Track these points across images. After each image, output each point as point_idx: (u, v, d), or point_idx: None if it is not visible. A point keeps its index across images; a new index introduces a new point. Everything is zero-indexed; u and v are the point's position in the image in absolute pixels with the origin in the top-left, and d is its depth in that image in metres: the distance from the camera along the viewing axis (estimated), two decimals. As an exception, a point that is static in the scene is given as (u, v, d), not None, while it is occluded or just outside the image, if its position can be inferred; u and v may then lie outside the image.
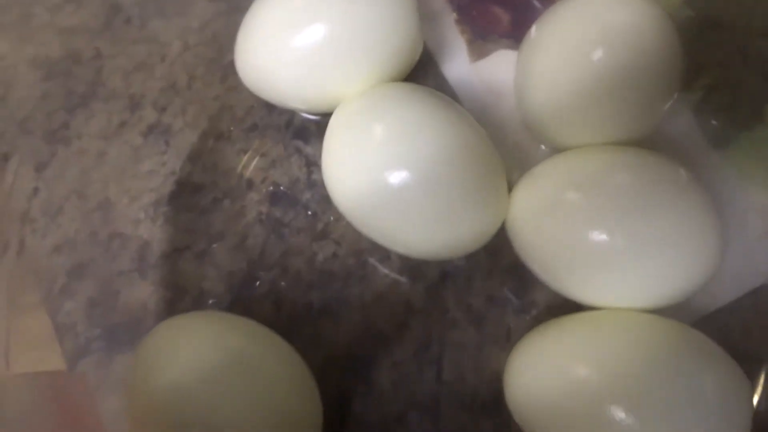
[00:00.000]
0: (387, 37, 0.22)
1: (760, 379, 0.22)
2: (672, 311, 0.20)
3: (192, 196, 0.25)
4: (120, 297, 0.24)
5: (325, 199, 0.25)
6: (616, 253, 0.20)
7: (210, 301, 0.24)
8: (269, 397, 0.19)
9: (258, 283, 0.24)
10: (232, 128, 0.26)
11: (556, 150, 0.24)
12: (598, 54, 0.21)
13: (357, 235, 0.25)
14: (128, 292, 0.24)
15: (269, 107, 0.26)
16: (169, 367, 0.19)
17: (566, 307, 0.23)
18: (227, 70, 0.27)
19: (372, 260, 0.24)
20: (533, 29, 0.23)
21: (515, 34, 0.27)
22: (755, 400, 0.22)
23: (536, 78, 0.22)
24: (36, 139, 0.26)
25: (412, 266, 0.24)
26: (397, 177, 0.20)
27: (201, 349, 0.19)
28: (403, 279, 0.24)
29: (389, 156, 0.21)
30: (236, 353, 0.20)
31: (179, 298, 0.24)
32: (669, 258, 0.19)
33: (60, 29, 0.28)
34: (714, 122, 0.25)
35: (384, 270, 0.24)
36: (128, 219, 0.25)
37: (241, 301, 0.24)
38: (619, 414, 0.18)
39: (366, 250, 0.24)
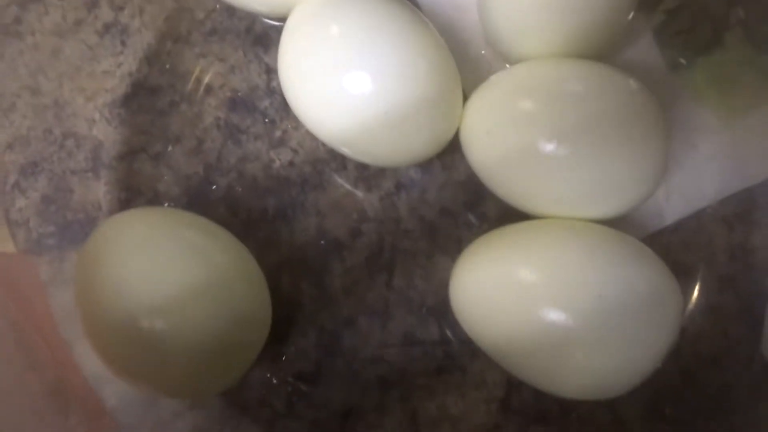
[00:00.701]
0: (348, -64, 0.22)
1: (694, 293, 0.23)
2: (620, 227, 0.21)
3: (148, 98, 0.25)
4: (73, 196, 0.24)
5: (284, 108, 0.25)
6: (564, 161, 0.20)
7: (165, 204, 0.24)
8: (219, 291, 0.20)
9: (214, 187, 0.24)
10: (191, 31, 0.25)
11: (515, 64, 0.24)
12: (558, -38, 0.21)
13: (314, 145, 0.25)
14: (82, 192, 0.24)
15: (230, 11, 0.26)
16: (116, 257, 0.19)
17: (518, 220, 0.23)
18: (188, -29, 0.26)
19: (328, 169, 0.24)
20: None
21: (483, -52, 0.26)
22: (686, 311, 0.23)
23: (497, -13, 0.22)
24: (-13, 33, 0.25)
25: (368, 177, 0.24)
26: (353, 80, 0.20)
27: (152, 240, 0.20)
28: (358, 188, 0.24)
29: (346, 58, 0.21)
30: (187, 245, 0.20)
31: (133, 198, 0.24)
32: (615, 167, 0.20)
33: None
34: (673, 44, 0.25)
35: (340, 179, 0.24)
36: (83, 118, 0.25)
37: (196, 204, 0.24)
38: (555, 317, 0.19)
39: (323, 159, 0.25)
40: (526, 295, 0.19)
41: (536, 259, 0.20)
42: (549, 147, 0.20)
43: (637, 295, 0.19)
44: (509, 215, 0.24)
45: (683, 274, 0.23)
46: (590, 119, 0.20)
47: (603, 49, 0.23)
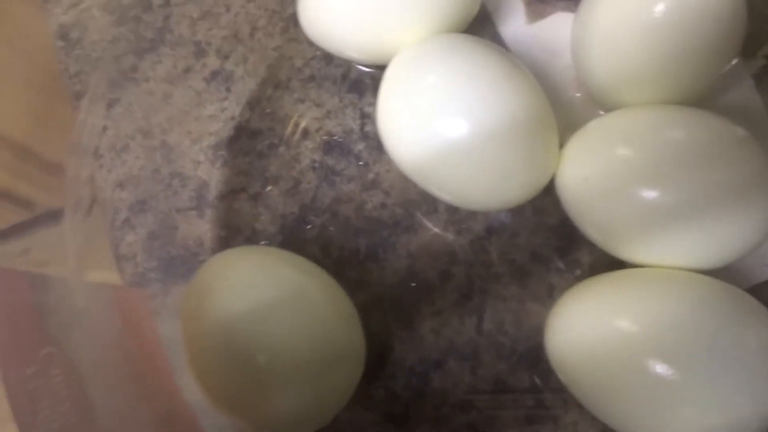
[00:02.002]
0: (446, -12, 0.22)
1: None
2: (722, 277, 0.20)
3: (249, 141, 0.26)
4: (178, 232, 0.25)
5: (377, 151, 0.25)
6: (666, 211, 0.20)
7: (262, 242, 0.25)
8: (316, 328, 0.20)
9: (309, 226, 0.25)
10: (290, 78, 0.27)
11: (611, 110, 0.24)
12: (659, 10, 0.21)
13: (406, 187, 0.25)
14: (186, 228, 0.25)
15: (327, 59, 0.27)
16: (221, 294, 0.20)
17: (611, 267, 0.23)
18: (288, 22, 0.27)
19: (419, 212, 0.25)
20: (594, -14, 0.23)
21: (575, -4, 0.27)
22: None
23: (594, 33, 0.22)
24: (107, 79, 0.27)
25: (459, 220, 0.25)
26: (449, 126, 0.21)
27: (252, 279, 0.20)
28: (449, 231, 0.25)
29: (443, 104, 0.21)
30: (286, 284, 0.20)
31: (233, 236, 0.25)
32: (720, 217, 0.19)
33: (132, -22, 0.29)
34: (776, 91, 0.24)
35: (430, 222, 0.25)
36: (189, 159, 0.26)
37: (291, 242, 0.25)
38: (661, 370, 0.18)
39: (414, 201, 0.25)
40: (629, 345, 0.19)
41: (639, 309, 0.19)
42: (651, 195, 0.19)
43: (748, 349, 0.18)
44: (603, 262, 0.24)
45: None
46: (694, 167, 0.19)
47: (702, 96, 0.22)
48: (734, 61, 0.22)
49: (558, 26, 0.26)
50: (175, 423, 0.18)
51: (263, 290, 0.20)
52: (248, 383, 0.19)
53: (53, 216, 0.24)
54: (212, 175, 0.26)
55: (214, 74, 0.27)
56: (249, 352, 0.19)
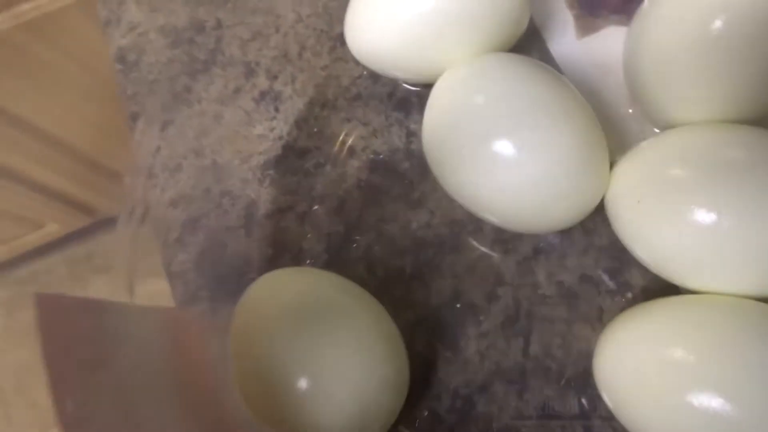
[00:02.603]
0: (493, 7, 0.22)
1: None
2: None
3: (297, 160, 0.26)
4: (227, 251, 0.26)
5: (423, 170, 0.25)
6: (724, 236, 0.19)
7: (308, 261, 0.25)
8: (360, 351, 0.20)
9: (354, 245, 0.25)
10: (337, 97, 0.27)
11: (665, 128, 0.23)
12: (717, 24, 0.20)
13: (451, 206, 0.25)
14: (234, 247, 0.26)
15: (374, 78, 0.27)
16: (269, 315, 0.21)
17: (663, 291, 0.22)
18: (336, 42, 0.28)
19: (465, 232, 0.25)
20: (646, 0, 0.22)
21: (626, 10, 0.26)
22: None
23: (648, 49, 0.22)
24: (161, 101, 0.28)
25: (505, 240, 0.24)
26: (497, 146, 0.21)
27: (299, 300, 0.21)
28: (495, 251, 0.24)
29: (490, 125, 0.21)
30: (331, 306, 0.21)
31: (280, 255, 0.25)
32: (782, 243, 0.18)
33: (187, 0, 0.30)
34: None
35: (476, 242, 0.24)
36: (238, 178, 0.27)
37: (337, 261, 0.25)
38: (717, 405, 0.17)
39: (460, 221, 0.25)
40: (683, 376, 0.18)
41: (695, 338, 0.18)
42: (708, 218, 0.19)
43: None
44: (656, 285, 0.23)
45: None
46: (754, 189, 0.18)
47: (763, 114, 0.21)
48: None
49: (610, 41, 0.26)
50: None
51: (309, 312, 0.20)
52: (293, 404, 0.19)
53: (112, 223, 0.25)
54: (260, 194, 0.26)
55: (263, 94, 0.28)
56: (294, 373, 0.19)
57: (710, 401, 0.17)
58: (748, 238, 0.19)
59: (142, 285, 0.24)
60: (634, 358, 0.20)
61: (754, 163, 0.19)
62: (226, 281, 0.25)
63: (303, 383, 0.19)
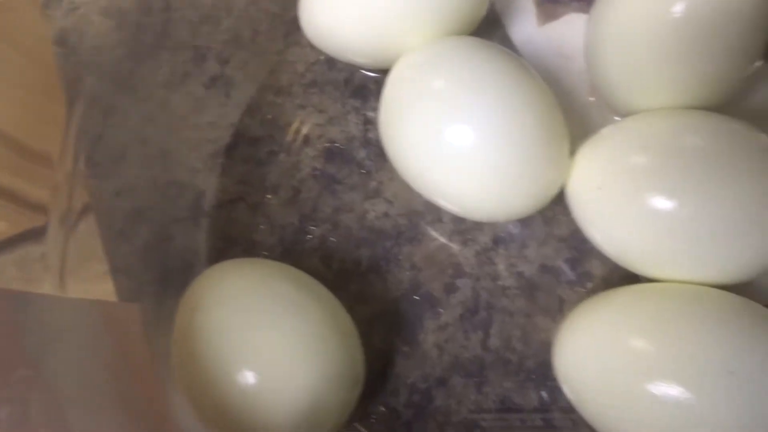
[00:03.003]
0: (452, -12, 0.22)
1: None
2: (741, 292, 0.19)
3: (249, 149, 0.25)
4: (174, 243, 0.25)
5: (380, 158, 0.25)
6: (684, 223, 0.18)
7: (260, 253, 0.24)
8: (312, 345, 0.19)
9: (309, 237, 0.24)
10: (292, 83, 0.26)
11: (626, 116, 0.22)
12: (677, 11, 0.19)
13: (410, 196, 0.24)
14: (182, 239, 0.25)
15: (330, 64, 0.26)
16: (214, 309, 0.19)
17: (623, 280, 0.22)
18: (290, 26, 0.26)
19: (423, 222, 0.24)
20: (608, -15, 0.22)
21: (588, -3, 0.25)
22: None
23: (608, 35, 0.21)
24: (105, 86, 0.26)
25: (464, 230, 0.24)
26: (455, 133, 0.20)
27: (248, 292, 0.20)
28: (454, 242, 0.24)
29: (448, 110, 0.20)
30: (282, 299, 0.20)
31: (230, 247, 0.24)
32: (742, 230, 0.18)
33: (132, -18, 0.28)
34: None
35: (435, 232, 0.24)
36: (186, 168, 0.25)
37: (291, 253, 0.24)
38: (677, 393, 0.17)
39: (418, 211, 0.24)
40: (643, 365, 0.18)
41: (655, 327, 0.18)
42: (668, 205, 0.18)
43: (772, 376, 0.17)
44: (616, 275, 0.22)
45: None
46: (715, 176, 0.18)
47: (724, 100, 0.21)
48: (758, 64, 0.21)
49: (571, 28, 0.25)
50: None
51: (257, 305, 0.19)
52: (239, 402, 0.18)
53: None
54: (210, 184, 0.25)
55: (214, 80, 0.26)
56: (240, 369, 0.18)
57: (669, 390, 0.17)
58: (707, 226, 0.18)
59: (83, 280, 0.23)
60: (593, 348, 0.19)
61: (714, 149, 0.19)
62: (173, 275, 0.24)
63: (250, 379, 0.18)
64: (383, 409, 0.22)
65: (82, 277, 0.22)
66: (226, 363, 0.18)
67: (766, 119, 0.23)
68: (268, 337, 0.19)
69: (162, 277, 0.24)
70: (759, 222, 0.18)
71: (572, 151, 0.21)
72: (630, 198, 0.19)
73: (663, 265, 0.20)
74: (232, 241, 0.24)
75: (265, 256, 0.24)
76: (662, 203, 0.19)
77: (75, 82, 0.27)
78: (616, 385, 0.18)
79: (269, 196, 0.25)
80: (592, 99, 0.24)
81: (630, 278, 0.21)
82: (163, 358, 0.22)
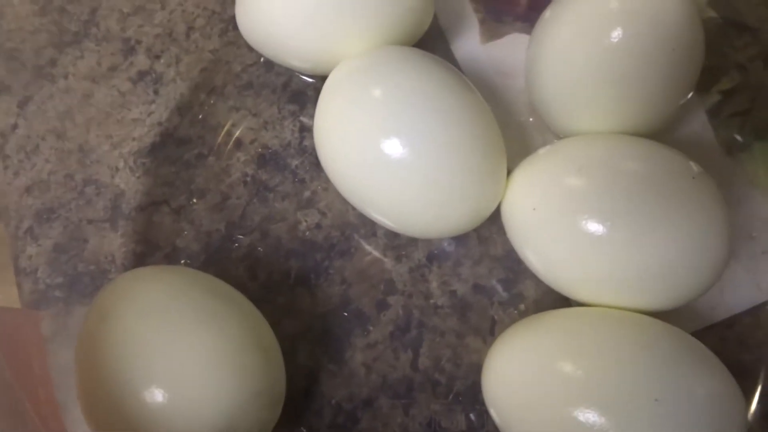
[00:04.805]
0: (396, -2, 0.21)
1: (755, 396, 0.21)
2: (667, 319, 0.19)
3: (176, 149, 0.24)
4: (87, 246, 0.23)
5: (315, 167, 0.24)
6: (616, 248, 0.18)
7: (182, 260, 0.23)
8: (229, 360, 0.18)
9: (235, 245, 0.23)
10: (226, 84, 0.25)
11: (564, 137, 0.22)
12: (615, 35, 0.19)
13: (344, 208, 0.23)
14: (97, 242, 0.23)
15: (267, 66, 0.25)
16: (122, 318, 0.18)
17: (555, 303, 0.22)
18: (228, 24, 0.25)
19: (357, 235, 0.23)
20: (549, 8, 0.22)
21: (531, 18, 0.25)
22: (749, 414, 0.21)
23: (548, 58, 0.21)
24: (21, 73, 0.25)
25: (398, 246, 0.23)
26: (391, 145, 0.19)
27: (162, 302, 0.18)
28: (387, 257, 0.23)
29: (384, 121, 0.19)
30: (200, 310, 0.18)
31: (150, 253, 0.23)
32: (672, 254, 0.18)
33: (60, -33, 0.27)
34: (729, 126, 0.24)
35: (368, 246, 0.23)
36: (106, 165, 0.24)
37: (215, 262, 0.23)
38: (600, 418, 0.17)
39: (352, 224, 0.23)
40: (567, 390, 0.17)
41: (581, 351, 0.18)
42: (601, 229, 0.18)
43: (697, 402, 0.17)
44: (549, 298, 0.22)
45: (740, 376, 0.21)
46: (646, 201, 0.18)
47: (657, 128, 0.21)
48: (689, 95, 0.21)
49: (513, 48, 0.25)
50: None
51: (172, 315, 0.18)
52: (146, 422, 0.17)
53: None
54: (131, 185, 0.23)
55: (142, 75, 0.25)
56: (149, 385, 0.17)
57: (595, 417, 0.17)
58: (638, 252, 0.18)
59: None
60: (519, 373, 0.19)
61: (647, 176, 0.19)
62: (85, 281, 0.22)
63: (158, 397, 0.17)
64: (305, 431, 0.21)
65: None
66: (133, 378, 0.17)
67: (695, 149, 0.23)
68: (181, 350, 0.17)
69: (71, 282, 0.22)
70: (688, 248, 0.18)
71: (509, 171, 0.21)
72: (564, 220, 0.19)
73: (593, 289, 0.19)
74: (152, 247, 0.23)
75: (187, 264, 0.23)
76: (595, 227, 0.18)
77: (-13, 68, 0.25)
78: (543, 411, 0.18)
79: (195, 201, 0.23)
80: (531, 120, 0.24)
81: (562, 301, 0.21)
82: (65, 368, 0.20)
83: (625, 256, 0.18)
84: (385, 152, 0.19)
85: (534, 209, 0.19)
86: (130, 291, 0.18)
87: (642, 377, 0.17)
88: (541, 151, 0.21)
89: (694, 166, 0.19)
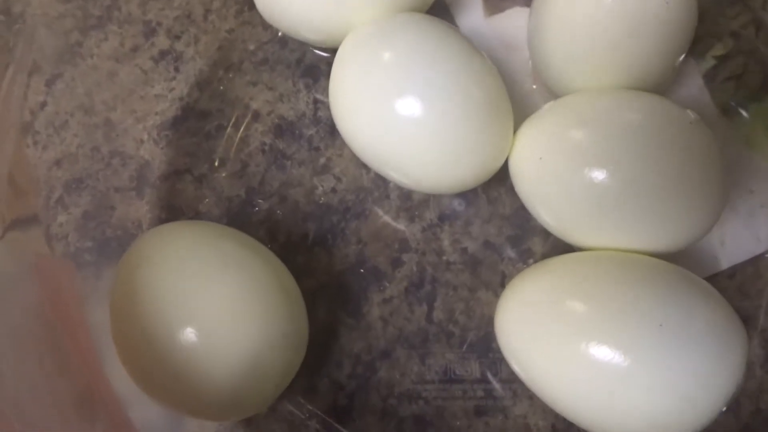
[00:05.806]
0: (403, -32, 0.22)
1: (753, 344, 0.22)
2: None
3: (197, 122, 0.25)
4: (115, 213, 0.24)
5: (330, 136, 0.25)
6: (618, 193, 0.19)
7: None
8: (257, 303, 0.19)
9: (255, 209, 0.24)
10: (243, 60, 0.26)
11: (565, 98, 0.23)
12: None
13: (358, 173, 0.24)
14: (123, 209, 0.24)
15: (282, 43, 0.26)
16: (154, 268, 0.19)
17: (563, 256, 0.23)
18: (243, 5, 0.27)
19: (371, 198, 0.24)
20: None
21: (531, -8, 0.27)
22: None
23: (549, 21, 0.22)
24: (48, 55, 0.26)
25: (411, 207, 0.24)
26: (403, 104, 0.20)
27: (192, 250, 0.19)
28: (400, 218, 0.24)
29: (397, 82, 0.21)
30: (228, 257, 0.19)
31: (174, 218, 0.24)
32: (671, 200, 0.19)
33: (82, -43, 0.28)
34: (724, 90, 0.25)
35: (382, 209, 0.24)
36: (131, 138, 0.25)
37: (236, 225, 0.24)
38: (609, 353, 0.18)
39: (366, 188, 0.24)
40: (577, 327, 0.18)
41: (587, 291, 0.19)
42: (603, 176, 0.19)
43: (700, 327, 0.18)
44: (556, 251, 0.23)
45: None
46: (647, 150, 0.19)
47: (652, 87, 0.22)
48: (683, 56, 0.23)
49: (516, 20, 0.26)
50: (97, 403, 0.17)
51: (201, 262, 0.19)
52: (179, 360, 0.18)
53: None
54: (155, 155, 0.25)
55: (163, 54, 0.26)
56: (182, 326, 0.18)
57: (602, 350, 0.18)
58: (639, 196, 0.19)
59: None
60: (530, 315, 0.20)
61: (646, 125, 0.20)
62: (113, 245, 0.23)
63: (190, 336, 0.18)
64: (327, 380, 0.22)
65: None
66: (166, 320, 0.18)
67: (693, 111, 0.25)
68: (212, 293, 0.18)
69: (100, 246, 0.23)
70: (685, 194, 0.19)
71: (515, 131, 0.22)
72: (569, 169, 0.20)
73: (598, 234, 0.20)
74: (176, 213, 0.24)
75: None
76: (598, 174, 0.19)
77: (14, 51, 0.26)
78: (552, 349, 0.19)
79: (216, 169, 0.24)
80: (534, 87, 0.25)
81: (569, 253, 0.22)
82: (99, 328, 0.21)
83: (625, 200, 0.19)
84: (398, 110, 0.20)
85: (540, 158, 0.20)
86: (160, 242, 0.20)
87: (646, 306, 0.18)
88: (546, 106, 0.22)
89: (691, 114, 0.20)
